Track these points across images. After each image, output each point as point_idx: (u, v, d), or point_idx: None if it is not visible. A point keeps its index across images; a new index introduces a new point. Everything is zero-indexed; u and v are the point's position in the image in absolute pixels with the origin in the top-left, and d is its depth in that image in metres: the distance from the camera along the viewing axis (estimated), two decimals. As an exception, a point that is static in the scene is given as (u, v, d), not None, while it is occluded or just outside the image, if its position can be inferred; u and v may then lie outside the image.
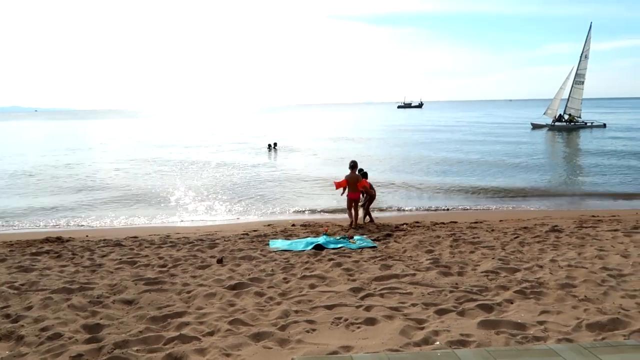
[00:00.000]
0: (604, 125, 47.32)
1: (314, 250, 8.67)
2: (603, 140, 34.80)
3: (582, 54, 47.01)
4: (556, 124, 47.15)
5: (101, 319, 5.48)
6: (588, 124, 47.25)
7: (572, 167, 23.06)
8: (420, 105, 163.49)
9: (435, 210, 14.07)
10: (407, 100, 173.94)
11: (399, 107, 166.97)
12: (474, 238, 9.32)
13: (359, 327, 5.15)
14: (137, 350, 4.69)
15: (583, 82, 46.87)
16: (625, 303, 5.55)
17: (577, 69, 46.92)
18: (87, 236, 10.65)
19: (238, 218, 13.67)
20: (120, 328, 5.22)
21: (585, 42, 46.88)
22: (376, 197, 12.08)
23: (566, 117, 47.47)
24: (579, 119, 47.19)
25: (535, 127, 49.79)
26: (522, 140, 36.23)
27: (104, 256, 8.52)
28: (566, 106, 47.78)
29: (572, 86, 47.01)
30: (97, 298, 6.15)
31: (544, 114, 50.05)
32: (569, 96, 47.44)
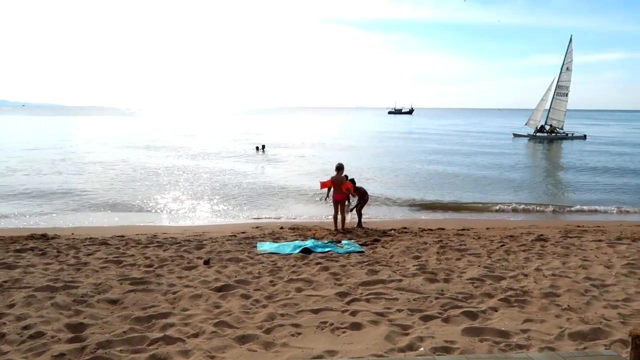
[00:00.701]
0: (584, 137, 47.86)
1: (301, 254, 8.67)
2: (581, 152, 34.72)
3: (562, 66, 47.59)
4: (537, 134, 47.67)
5: (85, 318, 5.43)
6: (569, 135, 47.68)
7: (550, 182, 22.51)
8: (410, 112, 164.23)
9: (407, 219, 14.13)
10: (398, 106, 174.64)
11: (389, 112, 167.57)
12: (460, 245, 9.39)
13: (344, 332, 5.16)
14: (120, 350, 4.66)
15: (567, 94, 47.37)
16: (607, 313, 5.64)
17: (558, 81, 47.50)
18: (72, 234, 10.53)
19: (226, 219, 13.63)
20: (104, 328, 5.18)
21: (566, 54, 47.50)
22: (368, 201, 12.17)
23: (547, 127, 48.01)
24: (561, 130, 47.68)
25: (517, 136, 50.22)
26: (503, 151, 35.41)
27: (89, 255, 8.43)
28: (547, 117, 48.33)
29: (553, 97, 47.58)
30: (82, 297, 6.09)
31: (526, 124, 50.57)
32: (550, 107, 47.99)
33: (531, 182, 21.30)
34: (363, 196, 11.85)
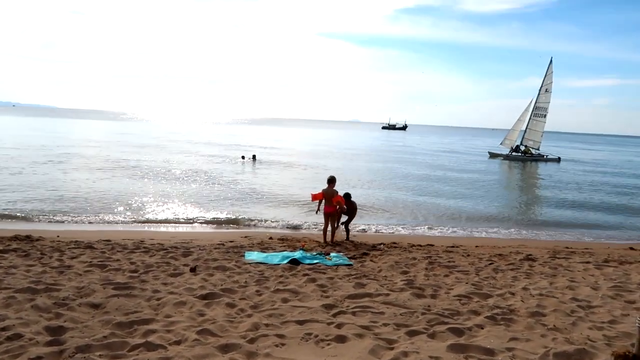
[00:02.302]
0: (559, 160, 47.67)
1: (289, 265, 8.60)
2: (551, 176, 33.92)
3: (541, 87, 48.00)
4: (513, 154, 47.82)
5: (65, 321, 5.33)
6: (543, 157, 47.49)
7: (511, 209, 19.56)
8: (404, 128, 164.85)
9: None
10: (392, 122, 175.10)
11: (383, 127, 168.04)
12: (449, 262, 9.38)
13: (328, 344, 5.10)
14: (99, 355, 4.57)
15: (545, 115, 47.58)
16: (592, 334, 5.63)
17: (536, 102, 47.86)
18: (58, 236, 10.39)
19: (214, 228, 13.53)
20: (84, 332, 5.08)
21: (545, 76, 47.91)
22: (356, 215, 12.16)
23: (522, 148, 48.36)
24: (537, 150, 47.72)
25: (493, 156, 50.27)
26: (476, 176, 31.17)
27: (73, 258, 8.31)
28: (523, 137, 48.65)
29: (530, 118, 47.92)
30: (63, 300, 5.98)
31: (501, 143, 50.69)
32: (527, 128, 48.27)
33: (493, 210, 19.08)
34: (353, 211, 11.83)
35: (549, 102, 47.88)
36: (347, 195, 11.75)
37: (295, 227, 13.84)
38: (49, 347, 4.67)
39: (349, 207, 11.68)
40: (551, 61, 48.01)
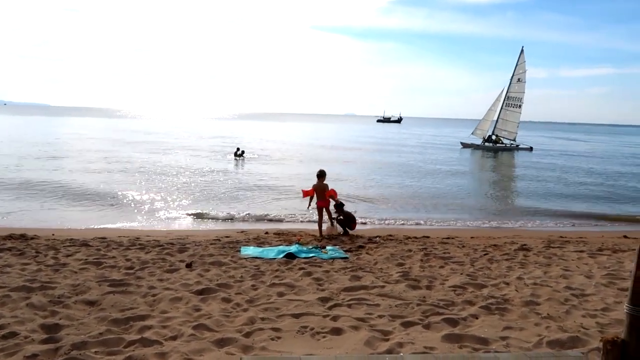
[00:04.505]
0: (531, 149, 47.79)
1: (285, 259, 8.62)
2: (522, 164, 34.50)
3: (512, 77, 48.06)
4: (485, 144, 48.26)
5: (60, 319, 5.33)
6: (516, 146, 47.81)
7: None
8: (399, 120, 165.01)
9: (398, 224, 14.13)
10: (387, 115, 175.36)
11: (378, 121, 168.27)
12: (444, 253, 9.42)
13: (324, 337, 5.13)
14: (95, 352, 4.58)
15: (520, 106, 47.75)
16: (585, 322, 5.68)
17: (508, 92, 47.91)
18: (53, 235, 10.36)
19: (209, 224, 13.53)
20: (80, 329, 5.09)
21: (517, 65, 47.93)
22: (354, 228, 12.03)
23: (493, 137, 48.61)
24: (513, 141, 48.00)
25: (465, 146, 50.53)
26: (454, 166, 31.56)
27: (68, 256, 8.29)
28: (495, 127, 48.85)
29: (501, 108, 48.01)
30: (58, 298, 5.98)
31: (472, 133, 50.96)
32: (498, 118, 48.52)
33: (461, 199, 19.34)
34: (351, 219, 11.57)
35: (524, 92, 48.03)
36: (340, 205, 11.47)
37: (291, 222, 13.85)
38: (44, 344, 4.68)
39: (346, 216, 11.44)
40: (522, 50, 48.26)
